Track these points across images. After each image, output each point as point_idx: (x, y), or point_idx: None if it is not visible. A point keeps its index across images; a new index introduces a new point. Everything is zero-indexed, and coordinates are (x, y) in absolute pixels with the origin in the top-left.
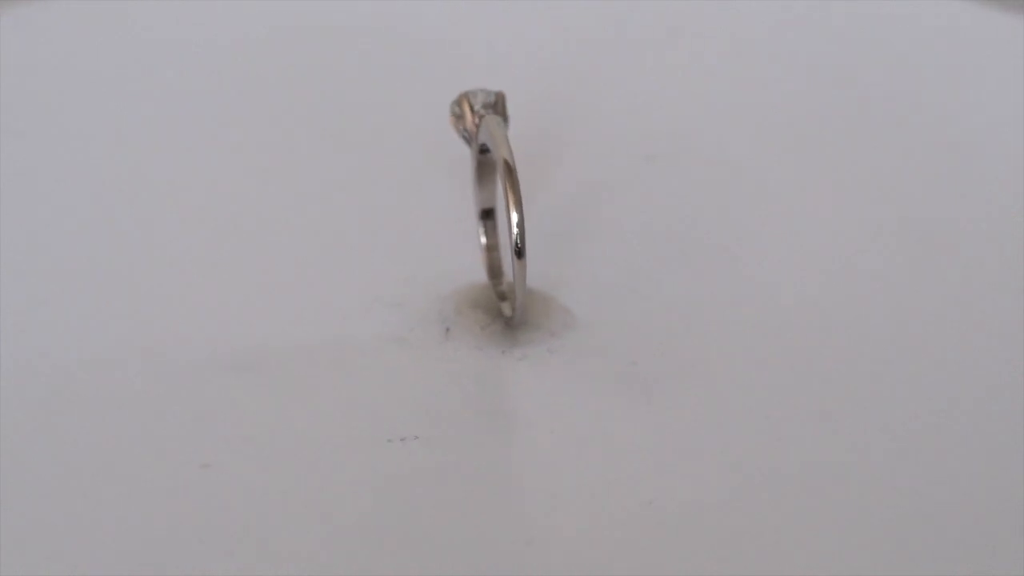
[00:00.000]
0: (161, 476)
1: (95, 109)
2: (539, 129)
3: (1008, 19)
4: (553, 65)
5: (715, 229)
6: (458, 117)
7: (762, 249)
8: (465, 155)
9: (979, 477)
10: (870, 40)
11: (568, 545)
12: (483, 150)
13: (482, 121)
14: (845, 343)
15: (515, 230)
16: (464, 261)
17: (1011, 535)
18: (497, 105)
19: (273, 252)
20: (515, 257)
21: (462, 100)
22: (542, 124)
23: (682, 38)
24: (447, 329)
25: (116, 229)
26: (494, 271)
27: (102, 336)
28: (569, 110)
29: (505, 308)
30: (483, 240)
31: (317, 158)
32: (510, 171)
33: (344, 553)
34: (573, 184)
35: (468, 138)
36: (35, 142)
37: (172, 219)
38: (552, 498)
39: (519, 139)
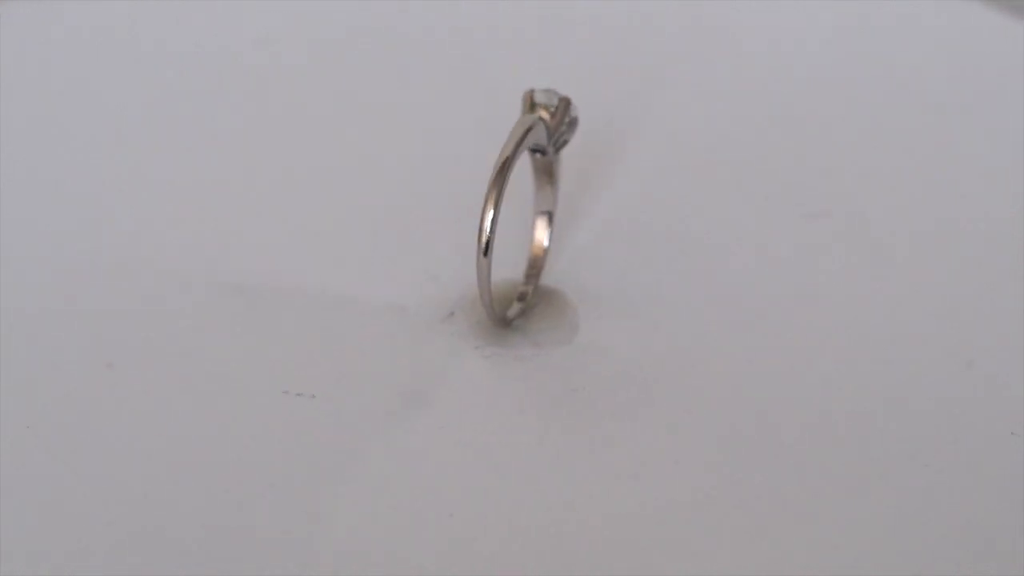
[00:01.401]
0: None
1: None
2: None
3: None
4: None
5: (732, 237)
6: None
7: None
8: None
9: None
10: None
11: None
12: (535, 150)
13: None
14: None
15: (485, 229)
16: (514, 256)
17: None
18: (557, 109)
19: (337, 207)
20: (479, 255)
21: (526, 97)
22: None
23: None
24: (451, 313)
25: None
26: (531, 270)
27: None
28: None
29: (513, 308)
30: (534, 239)
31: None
32: (498, 171)
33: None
34: (628, 192)
35: None
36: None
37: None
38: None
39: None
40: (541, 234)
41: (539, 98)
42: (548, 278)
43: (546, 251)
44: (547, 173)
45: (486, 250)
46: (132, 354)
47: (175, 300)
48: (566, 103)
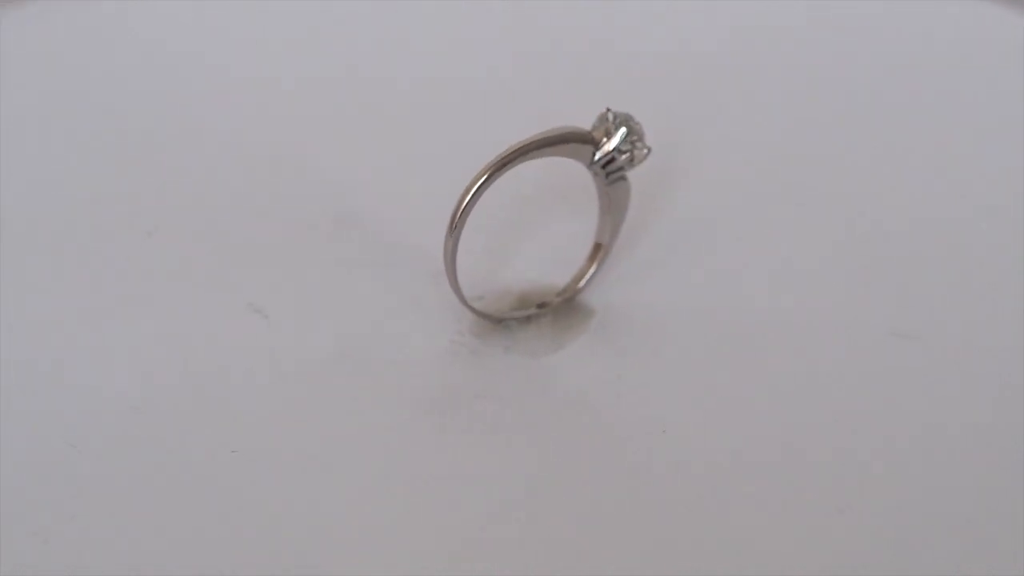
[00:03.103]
0: None
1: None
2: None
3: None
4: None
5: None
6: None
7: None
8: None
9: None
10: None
11: None
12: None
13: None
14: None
15: (461, 205)
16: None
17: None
18: (609, 133)
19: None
20: (447, 231)
21: (600, 115)
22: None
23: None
24: (481, 296)
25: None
26: (563, 292)
27: None
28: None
29: (516, 310)
30: (584, 265)
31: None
32: (498, 158)
33: None
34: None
35: None
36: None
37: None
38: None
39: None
40: (585, 265)
41: (605, 119)
42: (591, 298)
43: (583, 282)
44: (605, 201)
45: (453, 226)
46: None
47: None
48: (623, 132)
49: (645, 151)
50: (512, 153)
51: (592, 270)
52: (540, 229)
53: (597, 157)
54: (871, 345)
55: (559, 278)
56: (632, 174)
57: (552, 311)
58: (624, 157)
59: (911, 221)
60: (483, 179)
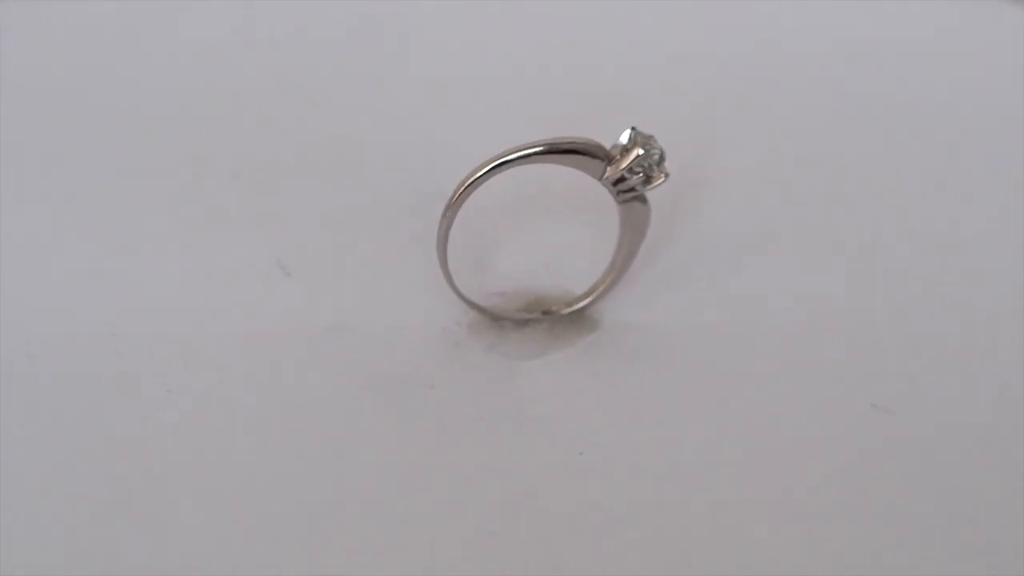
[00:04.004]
0: None
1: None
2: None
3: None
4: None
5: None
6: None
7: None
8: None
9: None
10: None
11: None
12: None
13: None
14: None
15: (459, 190)
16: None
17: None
18: (624, 152)
19: None
20: (442, 216)
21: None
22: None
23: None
24: (502, 292)
25: None
26: (574, 302)
27: None
28: None
29: (519, 312)
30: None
31: None
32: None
33: None
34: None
35: None
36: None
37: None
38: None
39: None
40: (598, 280)
41: (625, 138)
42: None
43: (590, 298)
44: (622, 219)
45: (445, 212)
46: None
47: None
48: (637, 153)
49: (662, 177)
50: (516, 153)
51: (602, 287)
52: (583, 236)
53: (606, 174)
54: (860, 407)
55: (583, 288)
56: (665, 192)
57: (553, 320)
58: (636, 178)
59: (937, 251)
60: (481, 173)
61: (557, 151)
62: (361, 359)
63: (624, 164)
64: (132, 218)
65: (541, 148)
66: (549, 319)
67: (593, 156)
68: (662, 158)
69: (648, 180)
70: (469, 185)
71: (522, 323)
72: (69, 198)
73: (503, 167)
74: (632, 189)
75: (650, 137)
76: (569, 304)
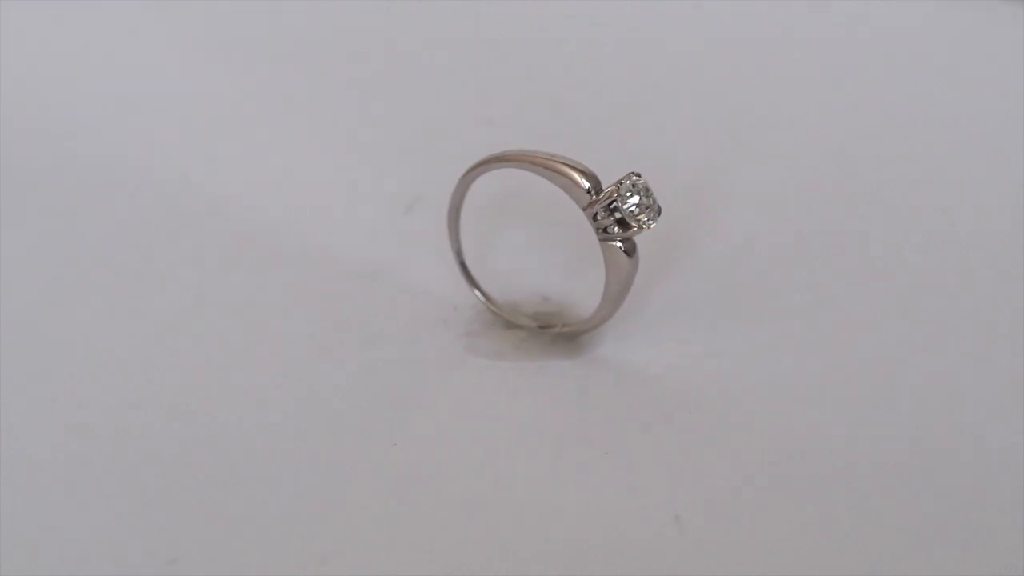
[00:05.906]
0: None
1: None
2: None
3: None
4: None
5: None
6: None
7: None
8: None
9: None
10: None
11: None
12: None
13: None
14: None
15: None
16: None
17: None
18: (603, 193)
19: None
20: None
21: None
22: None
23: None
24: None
25: None
26: (568, 324)
27: None
28: None
29: (520, 316)
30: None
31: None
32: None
33: None
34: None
35: None
36: None
37: None
38: None
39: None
40: (587, 318)
41: (615, 179)
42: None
43: (576, 327)
44: (605, 263)
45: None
46: None
47: None
48: (610, 194)
49: (635, 227)
50: (516, 156)
51: (590, 325)
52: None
53: (585, 206)
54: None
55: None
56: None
57: (543, 334)
58: (610, 220)
59: (941, 299)
60: (476, 167)
61: (549, 167)
62: (347, 327)
63: (602, 203)
64: None
65: (538, 158)
66: (538, 333)
67: (578, 185)
68: (645, 208)
69: (625, 226)
70: (462, 179)
71: (515, 326)
72: None
73: (499, 165)
74: (605, 230)
75: (645, 186)
76: (566, 324)
